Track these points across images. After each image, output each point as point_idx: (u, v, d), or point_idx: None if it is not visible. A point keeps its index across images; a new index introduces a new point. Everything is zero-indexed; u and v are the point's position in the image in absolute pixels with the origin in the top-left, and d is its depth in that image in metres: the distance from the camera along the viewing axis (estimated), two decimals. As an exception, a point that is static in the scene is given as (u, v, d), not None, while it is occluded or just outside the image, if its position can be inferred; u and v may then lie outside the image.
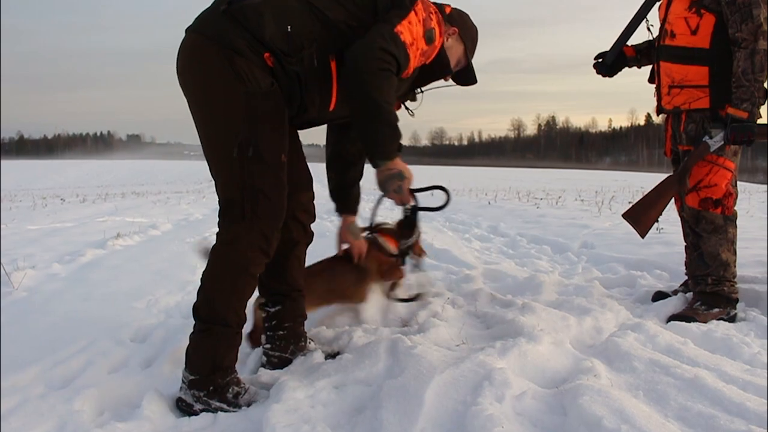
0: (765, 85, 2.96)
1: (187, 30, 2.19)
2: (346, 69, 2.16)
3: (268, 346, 2.60)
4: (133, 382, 2.41)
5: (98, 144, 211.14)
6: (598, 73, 3.56)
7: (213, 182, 2.24)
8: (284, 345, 2.58)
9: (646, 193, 3.28)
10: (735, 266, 3.20)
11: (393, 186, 2.34)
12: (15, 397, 2.25)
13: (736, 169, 3.14)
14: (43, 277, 4.48)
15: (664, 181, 3.22)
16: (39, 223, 8.24)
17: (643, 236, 3.26)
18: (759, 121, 3.00)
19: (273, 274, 2.52)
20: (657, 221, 3.27)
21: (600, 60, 3.56)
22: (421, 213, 2.58)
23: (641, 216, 3.21)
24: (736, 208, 3.19)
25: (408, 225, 2.54)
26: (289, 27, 2.12)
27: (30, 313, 3.52)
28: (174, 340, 2.87)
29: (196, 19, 2.19)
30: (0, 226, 7.40)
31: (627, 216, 3.27)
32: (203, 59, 2.13)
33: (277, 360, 2.58)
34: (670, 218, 6.70)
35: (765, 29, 2.89)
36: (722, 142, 3.02)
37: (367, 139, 2.25)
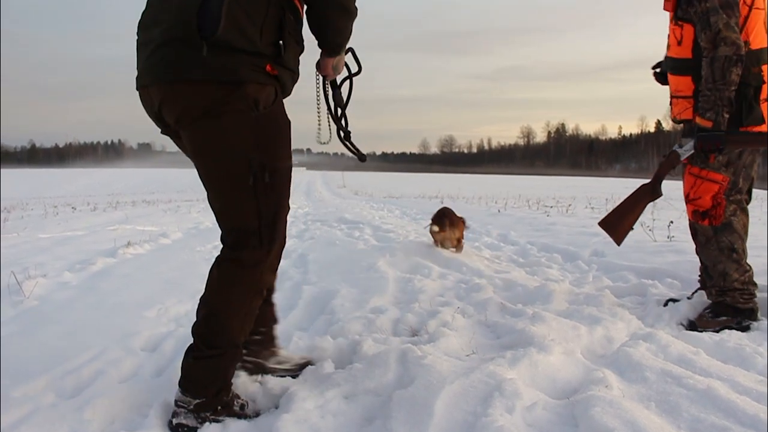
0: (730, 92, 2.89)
1: (165, 81, 1.99)
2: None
3: (243, 351, 2.47)
4: (144, 391, 2.41)
5: (109, 152, 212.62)
6: (657, 81, 3.57)
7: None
8: (259, 350, 2.54)
9: (620, 201, 3.34)
10: (742, 274, 3.15)
11: (341, 65, 2.36)
12: (26, 406, 2.26)
13: (727, 180, 3.07)
14: (54, 286, 4.50)
15: (637, 189, 3.28)
16: (50, 232, 8.29)
17: (618, 244, 3.32)
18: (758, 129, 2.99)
19: None
20: (632, 229, 3.31)
21: (658, 69, 3.57)
22: None
23: (616, 224, 3.28)
24: (742, 216, 3.17)
25: (336, 96, 2.45)
26: (264, 20, 1.98)
27: (41, 322, 3.53)
28: (184, 349, 2.87)
29: (168, 66, 1.98)
30: (0, 235, 7.43)
31: (603, 224, 3.34)
32: (218, 105, 1.97)
33: (252, 365, 2.53)
34: (680, 226, 6.66)
35: (724, 35, 2.83)
36: (692, 151, 3.04)
37: (336, 36, 2.18)
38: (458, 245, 5.53)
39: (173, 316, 3.69)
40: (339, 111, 2.42)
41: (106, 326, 3.39)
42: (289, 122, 2.19)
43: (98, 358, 2.83)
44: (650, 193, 3.21)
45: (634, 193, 3.28)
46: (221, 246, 2.21)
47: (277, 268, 2.28)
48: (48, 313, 3.75)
